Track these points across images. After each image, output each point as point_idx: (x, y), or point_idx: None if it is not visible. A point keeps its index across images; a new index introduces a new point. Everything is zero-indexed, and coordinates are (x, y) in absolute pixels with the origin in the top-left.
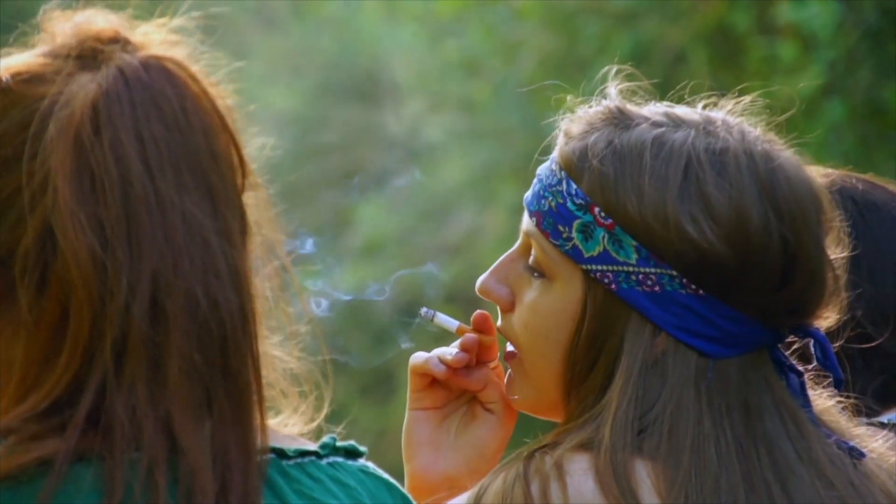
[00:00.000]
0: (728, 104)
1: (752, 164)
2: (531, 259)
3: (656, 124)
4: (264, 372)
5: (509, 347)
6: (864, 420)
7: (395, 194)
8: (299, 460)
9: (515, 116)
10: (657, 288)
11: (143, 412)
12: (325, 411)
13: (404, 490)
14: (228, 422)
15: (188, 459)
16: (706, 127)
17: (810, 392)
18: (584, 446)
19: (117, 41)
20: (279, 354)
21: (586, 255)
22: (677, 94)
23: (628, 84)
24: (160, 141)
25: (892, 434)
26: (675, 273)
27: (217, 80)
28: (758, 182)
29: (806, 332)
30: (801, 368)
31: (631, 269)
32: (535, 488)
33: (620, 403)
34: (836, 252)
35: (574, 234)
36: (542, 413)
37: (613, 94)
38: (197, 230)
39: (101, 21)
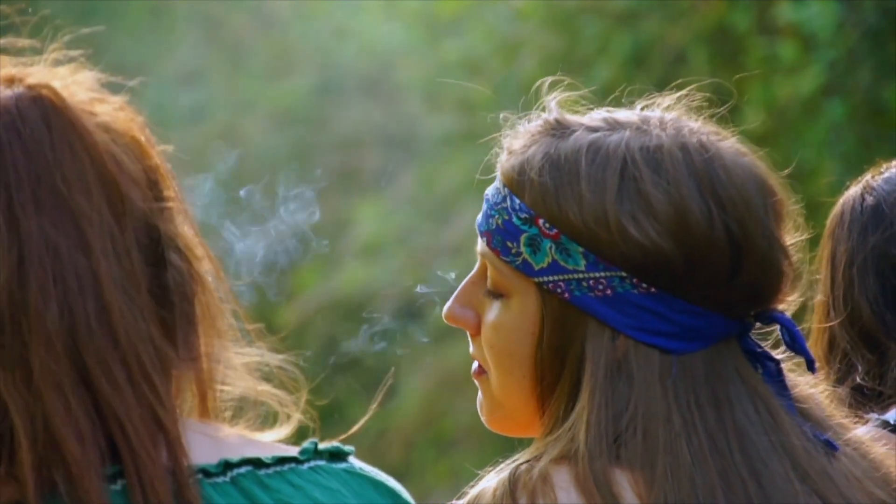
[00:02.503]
0: (665, 100)
1: (688, 157)
2: (488, 280)
3: (591, 129)
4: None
5: (475, 366)
6: (874, 416)
7: (395, 194)
8: (278, 468)
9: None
10: (609, 291)
11: (25, 433)
12: (295, 418)
13: (393, 486)
14: (118, 432)
15: (69, 468)
16: (640, 126)
17: (796, 379)
18: (565, 457)
19: (6, 82)
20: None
21: (536, 268)
22: (677, 92)
23: (576, 93)
24: (19, 165)
25: (892, 434)
26: (624, 274)
27: (117, 102)
28: (695, 175)
29: (771, 318)
30: (777, 356)
31: (581, 275)
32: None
33: (591, 409)
34: (793, 234)
35: (523, 249)
36: (514, 431)
37: (553, 107)
38: (51, 246)
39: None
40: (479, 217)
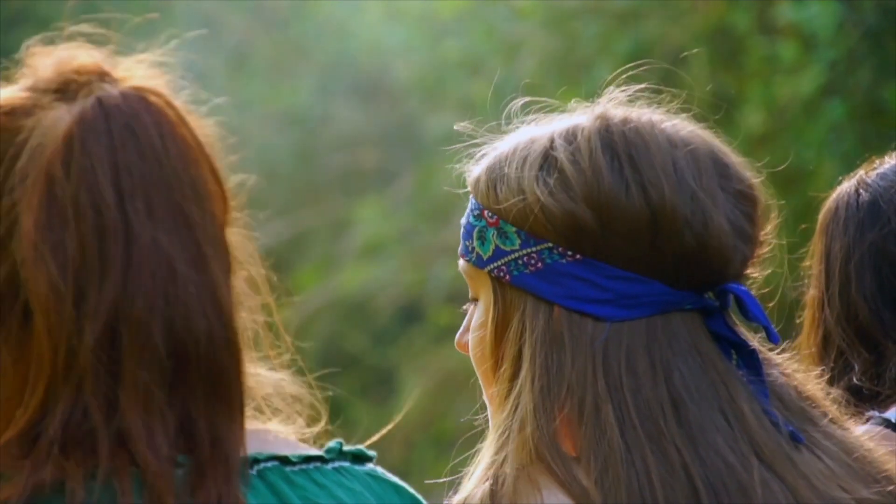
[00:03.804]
0: (614, 93)
1: (605, 127)
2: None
3: (536, 127)
4: (262, 393)
5: None
6: (875, 413)
7: (395, 194)
8: (304, 466)
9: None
10: (540, 264)
11: (99, 435)
12: (317, 428)
13: (413, 492)
14: (206, 442)
15: (146, 477)
16: (573, 116)
17: (772, 370)
18: (524, 444)
19: (99, 74)
20: (275, 376)
21: (485, 258)
22: (678, 92)
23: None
24: (134, 169)
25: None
26: (551, 245)
27: (200, 113)
28: (609, 143)
29: (724, 289)
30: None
31: (517, 254)
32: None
33: (533, 377)
34: (761, 212)
35: (475, 243)
36: None
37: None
38: (164, 259)
39: (83, 56)
40: None
